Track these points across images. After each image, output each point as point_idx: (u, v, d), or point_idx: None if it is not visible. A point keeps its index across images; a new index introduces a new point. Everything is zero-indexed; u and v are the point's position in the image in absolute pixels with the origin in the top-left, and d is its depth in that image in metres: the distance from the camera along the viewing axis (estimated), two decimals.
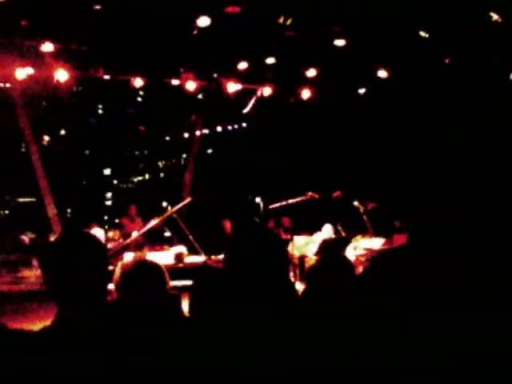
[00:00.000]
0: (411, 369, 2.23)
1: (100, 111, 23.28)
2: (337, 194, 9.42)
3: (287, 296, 2.53)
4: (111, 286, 4.14)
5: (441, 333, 2.32)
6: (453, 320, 2.34)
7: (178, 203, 8.21)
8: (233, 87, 10.58)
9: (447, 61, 9.74)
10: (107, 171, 27.23)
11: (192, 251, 7.39)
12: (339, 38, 9.32)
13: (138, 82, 10.08)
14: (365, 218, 9.08)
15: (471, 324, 2.31)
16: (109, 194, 27.96)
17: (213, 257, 7.17)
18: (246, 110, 11.93)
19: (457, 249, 2.63)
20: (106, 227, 17.65)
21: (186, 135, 18.36)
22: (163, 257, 6.90)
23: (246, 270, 2.45)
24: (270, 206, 9.51)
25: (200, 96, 13.17)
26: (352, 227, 9.39)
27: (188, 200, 8.79)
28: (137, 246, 8.38)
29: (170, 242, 8.68)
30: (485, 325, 2.30)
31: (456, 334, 2.31)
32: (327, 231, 9.31)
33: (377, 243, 8.56)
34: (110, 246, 10.05)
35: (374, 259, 6.97)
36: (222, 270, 2.74)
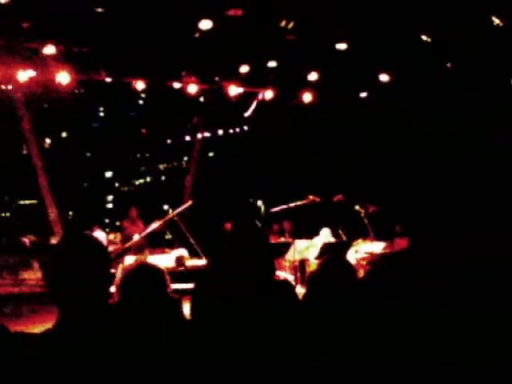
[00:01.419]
0: (412, 370, 2.23)
1: (101, 114, 23.33)
2: (338, 197, 9.41)
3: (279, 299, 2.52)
4: (112, 289, 4.14)
5: (441, 334, 2.32)
6: (453, 322, 2.34)
7: (179, 206, 8.21)
8: (234, 90, 10.59)
9: (449, 65, 9.75)
10: (109, 174, 27.29)
11: (193, 254, 7.39)
12: (341, 41, 9.34)
13: (140, 85, 10.10)
14: (366, 221, 9.08)
15: (472, 325, 2.31)
16: (110, 197, 28.00)
17: None
18: (247, 114, 11.95)
19: (458, 252, 2.63)
20: (107, 230, 17.67)
21: (188, 138, 18.39)
22: (164, 260, 6.90)
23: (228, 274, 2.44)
24: (272, 210, 9.52)
25: (202, 99, 13.18)
26: (353, 231, 9.40)
27: (189, 203, 8.80)
28: (138, 249, 8.38)
29: (171, 245, 8.68)
30: (486, 326, 2.31)
31: (456, 335, 2.31)
32: (325, 235, 9.32)
33: (378, 247, 8.56)
34: (111, 248, 10.05)
35: (375, 263, 6.97)
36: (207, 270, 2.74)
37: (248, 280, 2.40)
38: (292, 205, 9.05)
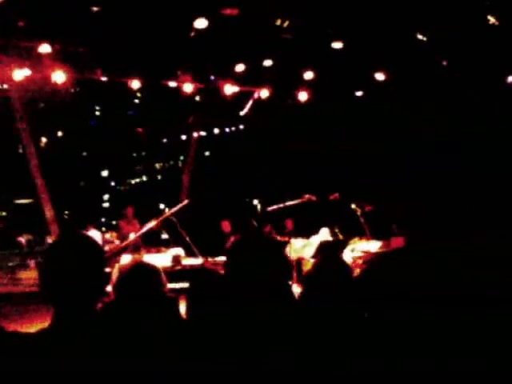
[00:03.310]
0: (409, 370, 2.23)
1: (97, 113, 23.28)
2: (334, 196, 9.40)
3: (284, 299, 2.53)
4: (108, 288, 4.13)
5: (439, 334, 2.32)
6: (451, 322, 2.35)
7: (175, 205, 8.20)
8: (230, 89, 10.58)
9: (444, 63, 9.76)
10: (104, 173, 27.24)
11: (189, 253, 7.38)
12: (336, 40, 9.34)
13: (136, 84, 10.08)
14: (362, 220, 9.07)
15: (470, 325, 2.31)
16: (106, 196, 27.96)
17: (210, 259, 7.15)
18: (243, 112, 11.94)
19: (454, 251, 2.64)
20: (103, 229, 17.65)
21: (184, 137, 18.37)
22: (161, 259, 6.89)
23: (247, 278, 2.45)
24: (268, 208, 9.51)
25: (197, 98, 13.18)
26: (349, 230, 9.39)
27: (185, 202, 8.78)
28: (134, 248, 8.37)
29: (168, 244, 8.67)
30: (484, 326, 2.31)
31: (454, 334, 2.31)
32: (324, 235, 9.31)
33: (374, 246, 8.55)
34: (106, 248, 10.04)
35: (371, 262, 6.97)
36: (223, 275, 2.75)
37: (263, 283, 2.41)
38: (288, 204, 9.05)
